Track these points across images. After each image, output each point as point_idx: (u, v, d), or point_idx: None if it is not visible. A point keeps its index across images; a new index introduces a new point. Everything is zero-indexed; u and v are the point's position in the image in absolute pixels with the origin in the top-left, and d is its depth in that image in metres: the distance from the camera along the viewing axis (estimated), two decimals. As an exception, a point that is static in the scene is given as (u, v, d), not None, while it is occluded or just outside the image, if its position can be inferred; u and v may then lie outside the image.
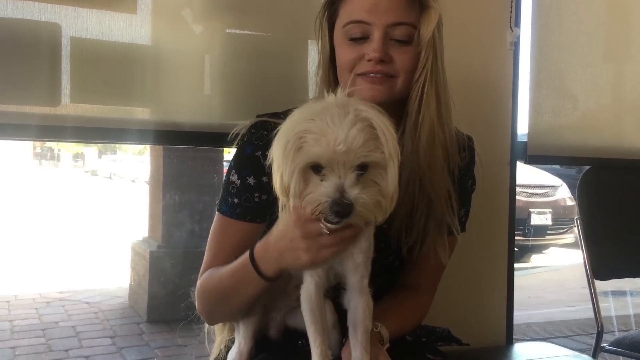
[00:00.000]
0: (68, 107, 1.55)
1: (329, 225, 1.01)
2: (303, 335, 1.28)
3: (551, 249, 8.19)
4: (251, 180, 1.28)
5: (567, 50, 2.18)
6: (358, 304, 1.13)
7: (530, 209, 7.73)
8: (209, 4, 1.72)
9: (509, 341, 2.13)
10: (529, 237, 7.68)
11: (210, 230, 1.33)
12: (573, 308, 5.04)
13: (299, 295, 1.20)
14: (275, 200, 1.25)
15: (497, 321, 2.13)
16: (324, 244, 1.06)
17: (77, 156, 32.05)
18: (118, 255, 5.79)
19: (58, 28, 1.54)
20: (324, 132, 0.95)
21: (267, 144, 1.26)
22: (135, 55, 1.63)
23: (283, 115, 1.33)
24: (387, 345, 1.24)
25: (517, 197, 7.33)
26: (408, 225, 1.29)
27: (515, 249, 7.14)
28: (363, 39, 1.23)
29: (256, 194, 1.28)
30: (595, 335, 2.07)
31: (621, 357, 2.16)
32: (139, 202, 5.76)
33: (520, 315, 5.15)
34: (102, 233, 8.53)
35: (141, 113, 1.65)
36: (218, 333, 1.42)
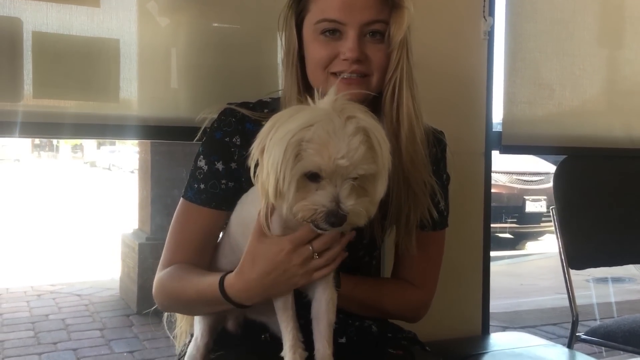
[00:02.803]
0: (30, 102, 1.54)
1: (318, 231, 1.02)
2: (264, 328, 1.29)
3: (546, 236, 8.21)
4: (219, 166, 1.28)
5: (542, 39, 2.16)
6: (322, 296, 1.13)
7: (525, 196, 7.74)
8: (174, -3, 1.71)
9: (485, 331, 2.13)
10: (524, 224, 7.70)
11: (173, 218, 1.32)
12: (564, 295, 5.05)
13: None
14: (243, 187, 1.26)
15: (473, 311, 2.13)
16: (317, 266, 1.08)
17: (76, 147, 32.04)
18: (112, 246, 5.80)
19: (19, 22, 1.53)
20: (326, 143, 0.94)
21: (234, 132, 1.28)
22: (99, 49, 1.62)
23: (253, 105, 1.34)
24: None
25: (512, 185, 7.28)
26: (391, 220, 1.29)
27: (511, 236, 7.11)
28: (336, 34, 1.21)
29: (223, 181, 1.27)
30: (570, 325, 2.07)
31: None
32: (135, 193, 5.80)
33: (511, 303, 5.18)
34: (99, 224, 8.55)
35: (106, 108, 1.64)
36: (181, 328, 1.42)
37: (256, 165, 1.02)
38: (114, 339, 3.95)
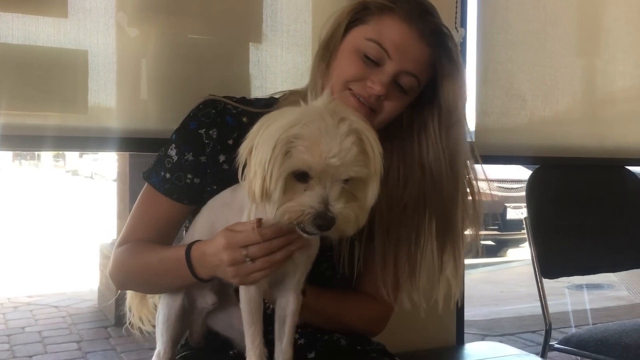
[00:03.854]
0: (-5, 114, 1.52)
1: (304, 235, 0.98)
2: (229, 343, 1.27)
3: (527, 243, 8.22)
4: (189, 157, 1.26)
5: (513, 50, 2.18)
6: (290, 299, 1.12)
7: (506, 204, 7.79)
8: (144, 7, 1.69)
9: (460, 341, 2.13)
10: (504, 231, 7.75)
11: (138, 198, 1.31)
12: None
13: (216, 299, 1.21)
14: (207, 183, 1.26)
15: (448, 321, 2.13)
16: (250, 270, 1.05)
17: (58, 156, 31.72)
18: (91, 257, 5.74)
19: (-16, 34, 1.51)
20: (317, 141, 0.91)
21: (212, 123, 1.27)
22: (67, 60, 1.60)
23: (236, 100, 1.32)
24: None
25: (493, 192, 7.32)
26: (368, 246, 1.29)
27: (493, 243, 7.14)
28: (374, 62, 1.19)
29: (189, 175, 1.26)
30: (544, 333, 2.08)
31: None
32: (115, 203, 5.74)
33: (491, 310, 5.20)
34: (78, 234, 8.46)
35: (74, 119, 1.62)
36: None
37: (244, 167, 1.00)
38: (91, 351, 3.90)
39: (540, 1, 2.24)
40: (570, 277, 2.23)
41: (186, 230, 1.33)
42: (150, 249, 1.24)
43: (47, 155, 31.59)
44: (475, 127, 2.12)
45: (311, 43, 1.80)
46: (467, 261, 2.21)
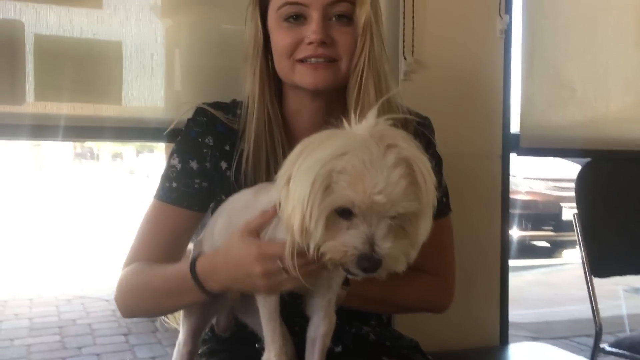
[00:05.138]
0: (32, 105, 1.54)
1: (348, 275, 0.92)
2: (255, 336, 1.24)
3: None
4: (194, 165, 1.24)
5: (562, 36, 2.08)
6: (321, 320, 1.08)
7: (561, 203, 7.54)
8: (177, -2, 1.69)
9: (504, 342, 2.04)
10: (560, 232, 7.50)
11: (142, 219, 1.27)
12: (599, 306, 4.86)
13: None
14: (215, 189, 1.23)
15: (491, 321, 2.05)
16: (285, 280, 0.99)
17: (116, 155, 32.66)
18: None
19: (21, 25, 1.53)
20: (361, 175, 0.83)
21: (206, 132, 1.26)
22: (102, 51, 1.61)
23: (226, 105, 1.30)
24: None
25: (548, 192, 7.07)
26: None
27: (547, 244, 6.88)
28: (300, 19, 1.17)
29: (197, 180, 1.24)
30: (594, 336, 1.97)
31: None
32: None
33: (543, 312, 5.01)
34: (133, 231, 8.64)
35: (108, 110, 1.63)
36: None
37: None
38: (138, 344, 3.96)
39: (590, -16, 2.13)
40: (627, 279, 2.10)
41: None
42: (153, 268, 1.18)
43: (105, 155, 32.59)
44: (521, 118, 2.02)
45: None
46: (519, 262, 2.11)
